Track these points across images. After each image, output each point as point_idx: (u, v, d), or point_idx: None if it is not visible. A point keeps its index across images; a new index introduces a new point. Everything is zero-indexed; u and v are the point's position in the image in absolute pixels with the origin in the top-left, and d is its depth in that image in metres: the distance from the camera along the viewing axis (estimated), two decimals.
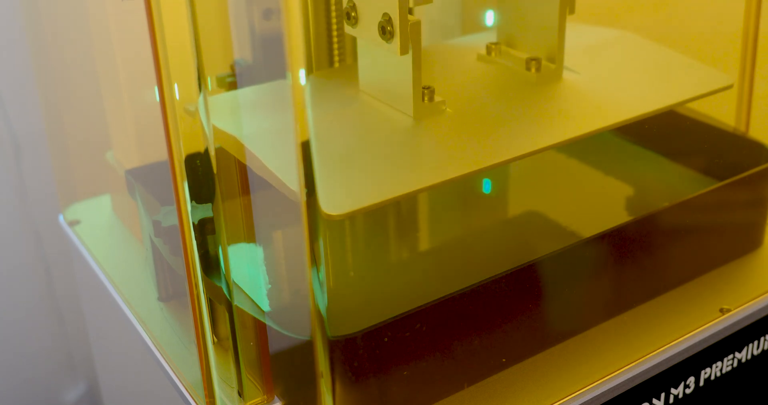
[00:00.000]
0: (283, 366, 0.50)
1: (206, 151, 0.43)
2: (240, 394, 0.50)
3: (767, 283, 0.60)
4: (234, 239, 0.48)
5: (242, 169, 0.48)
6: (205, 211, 0.45)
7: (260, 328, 0.49)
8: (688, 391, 0.56)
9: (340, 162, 0.50)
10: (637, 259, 0.57)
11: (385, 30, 0.50)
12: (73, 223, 0.69)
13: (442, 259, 0.59)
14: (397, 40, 0.50)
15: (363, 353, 0.47)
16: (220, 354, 0.49)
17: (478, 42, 0.64)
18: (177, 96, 0.41)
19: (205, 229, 0.45)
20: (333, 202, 0.45)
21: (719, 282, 0.60)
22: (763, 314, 0.58)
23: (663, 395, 0.55)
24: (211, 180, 0.44)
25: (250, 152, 0.48)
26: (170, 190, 0.44)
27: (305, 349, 0.46)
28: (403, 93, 0.54)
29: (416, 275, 0.57)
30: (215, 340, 0.49)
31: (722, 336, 0.56)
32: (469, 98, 0.57)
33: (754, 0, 0.66)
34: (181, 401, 0.53)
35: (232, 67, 0.61)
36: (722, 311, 0.57)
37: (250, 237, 0.50)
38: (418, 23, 0.50)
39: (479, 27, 0.71)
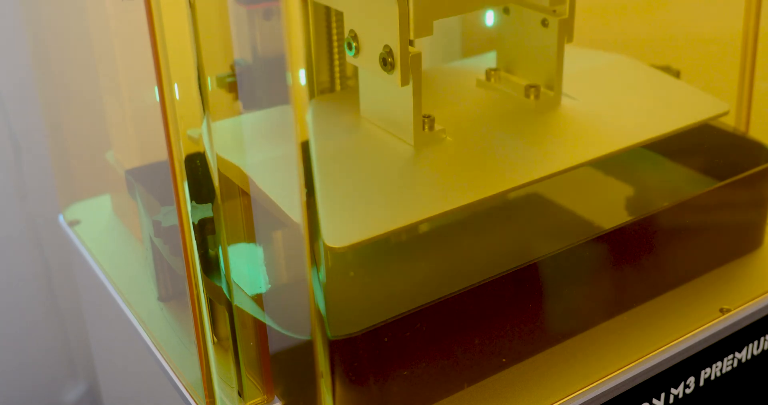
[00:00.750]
0: (283, 366, 0.50)
1: (206, 151, 0.43)
2: (240, 394, 0.50)
3: (767, 283, 0.60)
4: (234, 239, 0.48)
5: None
6: (205, 211, 0.45)
7: (260, 328, 0.49)
8: (688, 391, 0.56)
9: (343, 193, 0.50)
10: (638, 259, 0.57)
11: (386, 61, 0.51)
12: (73, 223, 0.69)
13: (440, 260, 0.59)
14: (398, 71, 0.51)
15: (363, 353, 0.47)
16: (220, 354, 0.49)
17: (478, 66, 0.65)
18: (177, 96, 0.41)
19: (205, 229, 0.45)
20: (336, 234, 0.46)
21: (719, 282, 0.60)
22: (763, 314, 0.58)
23: (663, 395, 0.55)
24: (211, 180, 0.44)
25: (253, 183, 0.49)
26: (170, 190, 0.44)
27: (305, 349, 0.46)
28: (403, 122, 0.54)
29: (418, 280, 0.57)
30: (215, 340, 0.49)
31: (722, 336, 0.56)
32: (468, 126, 0.57)
33: (754, 1, 0.66)
34: (181, 401, 0.53)
35: (232, 67, 0.61)
36: (722, 311, 0.57)
37: (250, 237, 0.50)
38: (418, 55, 0.51)
39: (480, 45, 0.71)
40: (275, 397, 0.50)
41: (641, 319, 0.57)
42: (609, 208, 0.63)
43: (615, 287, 0.57)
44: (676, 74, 0.68)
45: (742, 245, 0.63)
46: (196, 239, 0.45)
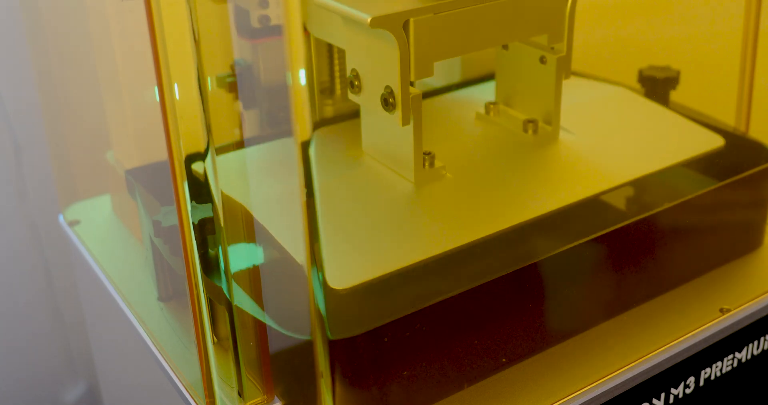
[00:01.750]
0: (283, 366, 0.50)
1: (206, 150, 0.43)
2: (240, 394, 0.50)
3: (767, 283, 0.60)
4: (234, 239, 0.48)
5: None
6: (205, 211, 0.45)
7: (260, 328, 0.49)
8: (688, 391, 0.56)
9: (345, 232, 0.51)
10: (638, 259, 0.57)
11: (387, 101, 0.52)
12: (73, 223, 0.69)
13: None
14: (399, 112, 0.52)
15: (363, 353, 0.47)
16: (220, 354, 0.49)
17: (477, 97, 0.66)
18: (177, 96, 0.41)
19: (205, 229, 0.45)
20: (338, 275, 0.47)
21: (719, 282, 0.60)
22: (763, 314, 0.58)
23: (663, 395, 0.55)
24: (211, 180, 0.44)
25: (257, 221, 0.50)
26: (170, 190, 0.44)
27: (305, 349, 0.46)
28: (404, 159, 0.56)
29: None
30: (215, 340, 0.49)
31: (722, 336, 0.56)
32: (468, 162, 0.58)
33: (754, 1, 0.66)
34: (181, 401, 0.53)
35: (232, 67, 0.61)
36: (722, 311, 0.57)
37: (250, 237, 0.50)
38: (419, 96, 0.52)
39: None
40: (275, 397, 0.50)
41: (641, 319, 0.57)
42: (609, 208, 0.63)
43: (615, 287, 0.57)
44: (676, 74, 0.68)
45: (742, 245, 0.63)
46: (196, 239, 0.45)
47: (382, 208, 0.54)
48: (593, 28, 0.69)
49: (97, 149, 0.70)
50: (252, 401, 0.50)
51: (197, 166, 0.44)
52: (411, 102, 0.52)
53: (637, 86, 0.70)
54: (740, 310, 0.57)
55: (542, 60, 0.59)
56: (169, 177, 0.44)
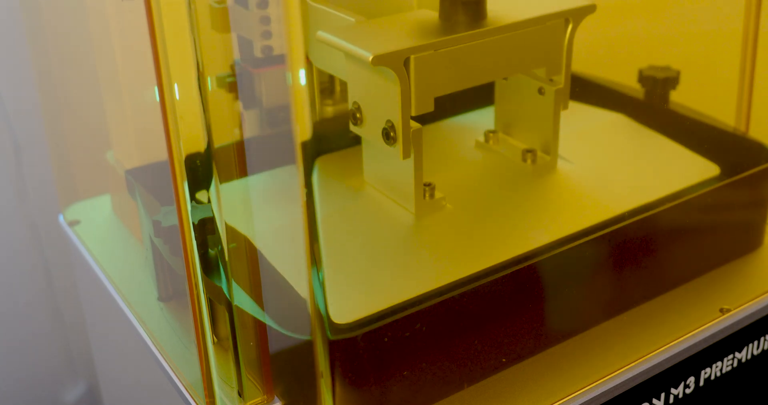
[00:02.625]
0: (283, 366, 0.50)
1: (206, 151, 0.43)
2: (240, 394, 0.50)
3: (767, 283, 0.60)
4: (234, 239, 0.48)
5: (242, 170, 0.48)
6: (205, 211, 0.45)
7: (260, 328, 0.49)
8: (688, 391, 0.56)
9: (346, 266, 0.52)
10: (638, 259, 0.57)
11: (388, 135, 0.53)
12: (73, 223, 0.69)
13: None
14: (399, 145, 0.53)
15: (363, 353, 0.47)
16: (220, 354, 0.49)
17: (476, 124, 0.67)
18: (177, 96, 0.41)
19: (205, 229, 0.45)
20: (340, 309, 0.47)
21: (719, 282, 0.60)
22: (763, 314, 0.58)
23: (663, 395, 0.55)
24: (211, 180, 0.44)
25: (261, 255, 0.50)
26: (170, 190, 0.44)
27: (305, 349, 0.46)
28: (405, 190, 0.56)
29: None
30: (215, 340, 0.49)
31: (722, 336, 0.56)
32: (468, 192, 0.59)
33: (754, 1, 0.66)
34: (181, 401, 0.53)
35: (232, 67, 0.61)
36: (722, 311, 0.57)
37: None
38: (419, 130, 0.53)
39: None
40: (275, 397, 0.50)
41: (641, 319, 0.57)
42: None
43: (615, 287, 0.57)
44: (676, 74, 0.69)
45: (742, 245, 0.63)
46: (196, 239, 0.45)
47: (383, 240, 0.55)
48: (593, 28, 0.69)
49: (97, 149, 0.70)
50: (252, 401, 0.50)
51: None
52: (412, 136, 0.53)
53: (637, 86, 0.70)
54: (740, 310, 0.57)
55: (540, 91, 0.60)
56: (169, 177, 0.44)
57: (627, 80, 0.71)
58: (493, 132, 0.64)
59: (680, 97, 0.69)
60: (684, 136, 0.67)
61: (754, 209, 0.63)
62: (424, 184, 0.56)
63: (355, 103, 0.55)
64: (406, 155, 0.53)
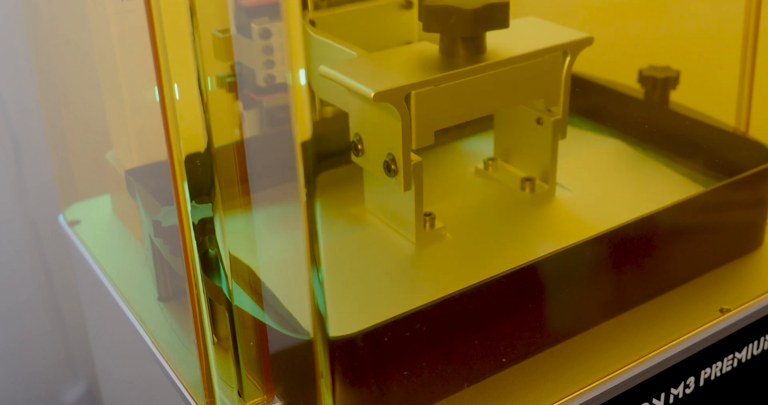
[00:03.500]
0: (283, 366, 0.50)
1: (206, 151, 0.43)
2: (240, 394, 0.50)
3: (767, 283, 0.60)
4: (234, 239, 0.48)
5: (242, 170, 0.48)
6: (205, 211, 0.45)
7: (260, 328, 0.49)
8: (688, 391, 0.56)
9: (347, 297, 0.53)
10: (638, 259, 0.57)
11: (389, 168, 0.54)
12: (73, 223, 0.69)
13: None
14: (400, 178, 0.54)
15: (363, 353, 0.47)
16: (220, 354, 0.49)
17: (476, 151, 0.69)
18: (177, 96, 0.41)
19: (205, 229, 0.45)
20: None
21: (719, 282, 0.60)
22: (763, 314, 0.58)
23: (663, 395, 0.55)
24: (211, 180, 0.44)
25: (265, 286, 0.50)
26: (170, 190, 0.44)
27: (305, 349, 0.46)
28: (405, 221, 0.57)
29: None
30: (215, 340, 0.49)
31: (722, 336, 0.56)
32: (467, 221, 0.60)
33: (754, 1, 0.66)
34: (181, 401, 0.53)
35: (232, 67, 0.61)
36: (722, 311, 0.57)
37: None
38: (420, 163, 0.54)
39: None
40: (275, 397, 0.50)
41: (641, 319, 0.57)
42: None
43: (615, 287, 0.57)
44: (676, 74, 0.69)
45: (742, 245, 0.63)
46: (196, 239, 0.45)
47: (382, 271, 0.55)
48: (593, 28, 0.69)
49: (97, 149, 0.70)
50: (252, 401, 0.50)
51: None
52: (413, 169, 0.53)
53: (637, 86, 0.70)
54: (740, 310, 0.57)
55: (539, 121, 0.61)
56: (169, 177, 0.44)
57: (627, 80, 0.71)
58: (492, 159, 0.65)
59: (680, 97, 0.69)
60: (684, 137, 0.67)
61: (754, 209, 0.63)
62: (425, 214, 0.57)
63: (356, 134, 0.56)
64: (406, 188, 0.54)
